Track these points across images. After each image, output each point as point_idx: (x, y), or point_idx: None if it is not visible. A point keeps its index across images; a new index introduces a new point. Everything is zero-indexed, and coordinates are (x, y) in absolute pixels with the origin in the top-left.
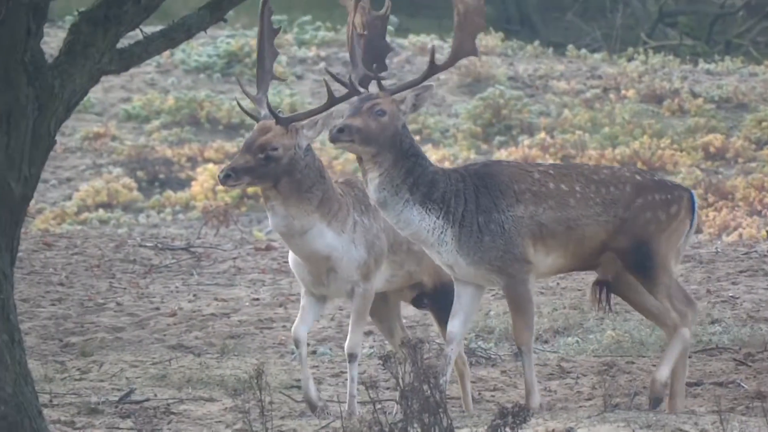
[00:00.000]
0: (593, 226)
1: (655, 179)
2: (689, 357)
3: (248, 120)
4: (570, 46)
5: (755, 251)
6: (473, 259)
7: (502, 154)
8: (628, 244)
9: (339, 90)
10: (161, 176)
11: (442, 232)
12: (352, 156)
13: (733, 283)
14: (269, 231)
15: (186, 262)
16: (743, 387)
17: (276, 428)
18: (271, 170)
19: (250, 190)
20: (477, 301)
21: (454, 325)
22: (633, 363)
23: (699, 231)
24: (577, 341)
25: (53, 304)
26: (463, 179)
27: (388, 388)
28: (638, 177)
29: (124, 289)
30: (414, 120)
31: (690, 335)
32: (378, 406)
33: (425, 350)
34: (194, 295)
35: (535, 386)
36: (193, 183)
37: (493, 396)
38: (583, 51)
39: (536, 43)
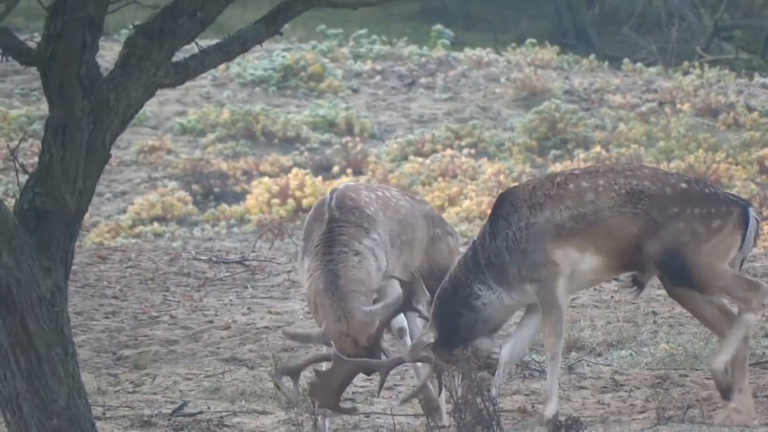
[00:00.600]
0: (616, 217)
1: (706, 191)
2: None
3: (304, 133)
4: (625, 60)
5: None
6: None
7: (557, 168)
8: (660, 250)
9: None
10: (216, 189)
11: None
12: (408, 170)
13: None
14: None
15: (240, 276)
16: None
17: None
18: None
19: (306, 203)
20: (534, 329)
21: (506, 350)
22: (686, 376)
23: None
24: (631, 354)
25: (107, 317)
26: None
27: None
28: (684, 185)
29: (178, 302)
30: (470, 134)
31: (755, 320)
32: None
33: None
34: (248, 308)
35: (554, 394)
36: (247, 196)
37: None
38: (639, 65)
39: (592, 56)
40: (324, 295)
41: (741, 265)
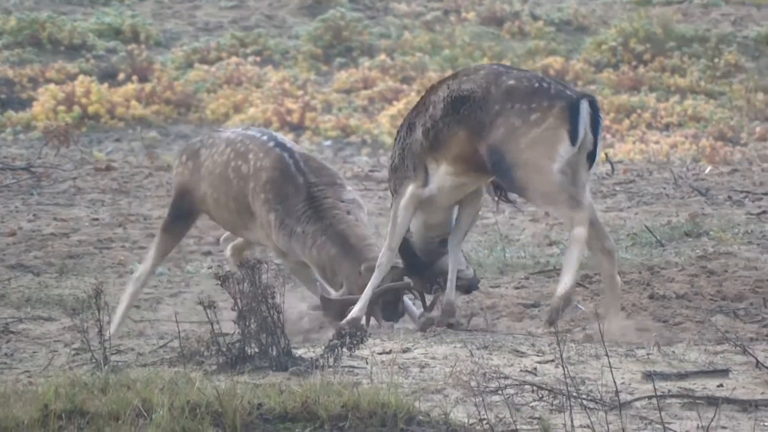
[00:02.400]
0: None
1: (534, 86)
2: (527, 278)
3: (90, 41)
4: None
5: (594, 174)
6: None
7: (342, 76)
8: (486, 150)
9: None
10: (2, 96)
11: None
12: (193, 77)
13: None
14: (110, 151)
15: (26, 182)
16: (580, 308)
17: (114, 347)
18: None
19: (91, 110)
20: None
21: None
22: None
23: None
24: None
25: None
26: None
27: (226, 308)
28: (512, 82)
29: None
30: (255, 42)
31: (584, 233)
32: (216, 326)
33: (263, 271)
34: (34, 215)
35: (364, 303)
36: (34, 103)
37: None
38: None
39: None
40: (342, 260)
41: (589, 168)
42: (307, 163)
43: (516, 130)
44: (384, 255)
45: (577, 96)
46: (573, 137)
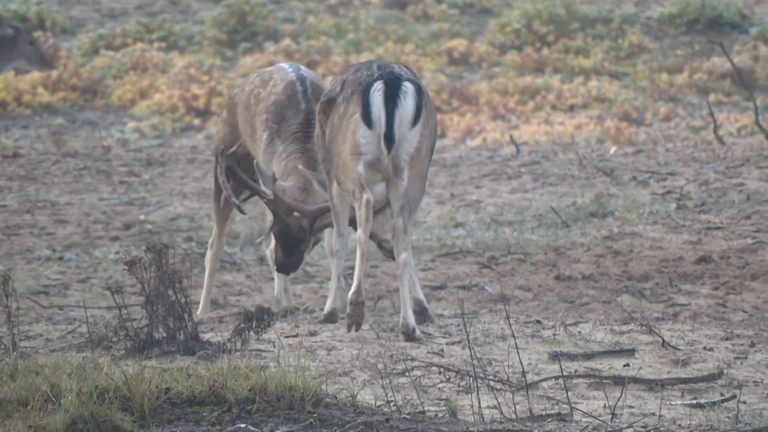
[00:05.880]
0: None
1: (355, 76)
2: (433, 260)
3: None
4: None
5: (499, 155)
6: None
7: (247, 61)
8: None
9: None
10: None
11: None
12: (99, 63)
13: (477, 187)
14: (17, 138)
15: None
16: (487, 290)
17: (23, 333)
18: None
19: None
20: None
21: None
22: (377, 267)
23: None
24: (322, 246)
25: None
26: None
27: (134, 293)
28: (349, 76)
29: None
30: (160, 27)
31: (364, 236)
32: (124, 311)
33: (170, 255)
34: None
35: (335, 294)
36: None
37: (238, 300)
38: None
39: None
40: (306, 171)
41: (388, 151)
42: (314, 91)
43: (333, 125)
44: (336, 242)
45: (375, 78)
46: (366, 120)
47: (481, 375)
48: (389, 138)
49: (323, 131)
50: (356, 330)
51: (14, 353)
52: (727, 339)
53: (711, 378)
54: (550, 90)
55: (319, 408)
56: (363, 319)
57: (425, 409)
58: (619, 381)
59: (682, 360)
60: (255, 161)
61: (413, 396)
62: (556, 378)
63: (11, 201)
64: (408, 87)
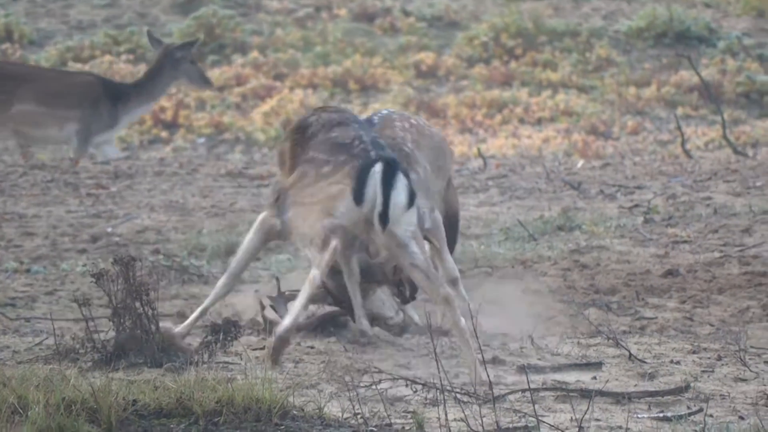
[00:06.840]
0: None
1: (345, 143)
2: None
3: None
4: None
5: (466, 168)
6: None
7: (215, 73)
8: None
9: None
10: None
11: None
12: None
13: None
14: None
15: None
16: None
17: None
18: None
19: None
20: None
21: None
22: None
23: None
24: (289, 259)
25: None
26: None
27: (101, 306)
28: (335, 132)
29: None
30: (128, 40)
31: (319, 276)
32: (91, 323)
33: (138, 268)
34: None
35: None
36: None
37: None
38: None
39: None
40: None
41: (383, 229)
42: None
43: (305, 177)
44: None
45: (374, 158)
46: (359, 196)
47: (448, 388)
48: (384, 217)
49: (293, 152)
50: (274, 366)
51: None
52: (694, 352)
53: (678, 391)
54: (518, 103)
55: (286, 420)
56: (282, 356)
57: (392, 421)
58: (586, 394)
59: (649, 373)
60: None
61: (380, 408)
62: (523, 391)
63: None
64: (401, 179)
